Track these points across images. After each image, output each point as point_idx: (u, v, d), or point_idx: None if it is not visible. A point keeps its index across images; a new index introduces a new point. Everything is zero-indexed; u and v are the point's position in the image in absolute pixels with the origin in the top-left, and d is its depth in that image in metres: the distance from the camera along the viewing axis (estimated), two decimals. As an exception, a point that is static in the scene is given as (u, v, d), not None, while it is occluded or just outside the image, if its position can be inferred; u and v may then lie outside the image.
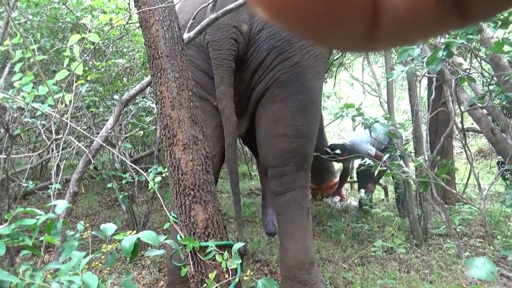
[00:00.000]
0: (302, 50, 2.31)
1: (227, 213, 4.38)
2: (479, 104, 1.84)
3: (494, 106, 1.92)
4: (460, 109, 1.97)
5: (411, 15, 0.16)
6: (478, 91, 1.98)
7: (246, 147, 5.86)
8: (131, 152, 6.09)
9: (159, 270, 2.97)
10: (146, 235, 1.13)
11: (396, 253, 3.02)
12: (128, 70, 3.83)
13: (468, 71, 1.77)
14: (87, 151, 2.08)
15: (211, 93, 2.37)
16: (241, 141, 4.60)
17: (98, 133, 2.63)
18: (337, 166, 6.70)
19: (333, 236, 3.54)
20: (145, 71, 3.49)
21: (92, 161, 2.16)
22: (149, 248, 2.38)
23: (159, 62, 1.68)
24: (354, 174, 5.96)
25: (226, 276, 1.61)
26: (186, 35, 2.04)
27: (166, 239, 1.22)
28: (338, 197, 4.75)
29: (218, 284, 1.59)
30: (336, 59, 5.06)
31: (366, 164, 2.59)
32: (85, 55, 2.22)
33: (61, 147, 2.16)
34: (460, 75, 1.77)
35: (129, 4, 3.60)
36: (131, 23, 3.33)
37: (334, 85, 6.32)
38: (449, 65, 2.17)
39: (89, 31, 2.17)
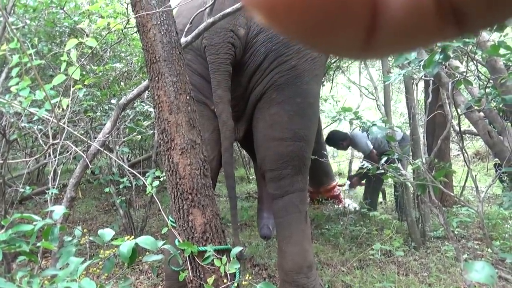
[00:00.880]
0: (299, 54, 2.31)
1: (225, 217, 4.36)
2: (476, 107, 1.85)
3: (491, 109, 1.93)
4: (457, 112, 1.98)
5: (409, 24, 0.16)
6: (475, 94, 1.99)
7: (244, 151, 5.86)
8: (128, 156, 6.08)
9: (157, 275, 2.95)
10: (144, 240, 1.12)
11: (394, 256, 3.02)
12: (126, 74, 3.83)
13: (464, 74, 1.78)
14: (85, 156, 2.07)
15: (209, 97, 2.38)
16: (239, 145, 4.60)
17: (95, 138, 2.62)
18: (335, 169, 6.71)
19: (332, 240, 3.54)
20: (143, 75, 3.49)
21: (90, 166, 2.15)
22: (147, 253, 2.37)
23: (157, 67, 1.68)
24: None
25: (225, 280, 1.60)
26: (183, 39, 2.05)
27: (164, 244, 1.21)
28: (337, 200, 4.75)
29: (217, 288, 1.58)
30: (333, 62, 5.07)
31: (365, 167, 2.59)
32: (83, 60, 2.22)
33: (58, 152, 2.16)
34: (457, 78, 1.78)
35: (127, 8, 3.60)
36: (129, 28, 3.34)
37: (331, 88, 6.34)
38: (446, 68, 2.18)
39: (87, 36, 2.17)
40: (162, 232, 1.84)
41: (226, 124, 2.28)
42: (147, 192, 1.81)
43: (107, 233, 1.12)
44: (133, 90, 2.59)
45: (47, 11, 3.17)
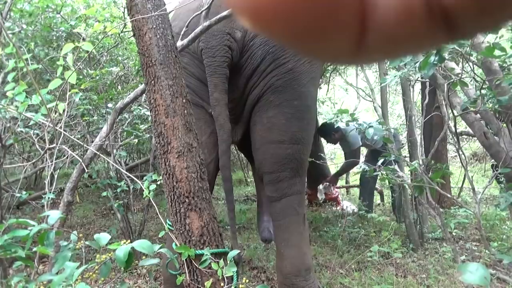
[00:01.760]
0: (297, 56, 2.31)
1: (223, 220, 4.36)
2: (472, 109, 1.85)
3: (487, 110, 1.94)
4: (453, 113, 1.99)
5: (399, 29, 0.16)
6: (471, 96, 2.00)
7: (242, 153, 5.85)
8: (126, 160, 6.07)
9: (155, 279, 2.94)
10: (141, 244, 1.12)
11: (392, 258, 3.02)
12: (123, 78, 3.83)
13: (460, 75, 1.79)
14: (81, 160, 2.07)
15: (206, 100, 2.37)
16: (236, 148, 4.60)
17: (93, 142, 2.61)
18: (333, 171, 6.71)
19: (330, 242, 3.53)
20: (139, 79, 3.49)
21: (86, 170, 2.14)
22: (143, 257, 2.36)
23: (153, 70, 1.68)
24: (350, 179, 5.98)
25: (222, 284, 1.60)
26: (179, 43, 2.05)
27: (161, 247, 1.21)
28: (335, 202, 4.75)
29: (214, 292, 1.58)
30: (330, 64, 5.09)
31: (364, 170, 2.60)
32: (79, 64, 2.22)
33: (54, 157, 2.15)
34: (452, 80, 1.78)
35: (123, 12, 3.61)
36: (125, 32, 3.34)
37: (328, 91, 6.35)
38: (441, 69, 2.19)
39: (83, 40, 2.17)
40: (160, 236, 1.84)
41: (223, 127, 2.28)
42: (144, 196, 1.80)
43: (103, 237, 1.12)
44: (130, 94, 2.59)
45: (44, 16, 3.17)
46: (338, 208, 4.64)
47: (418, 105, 5.10)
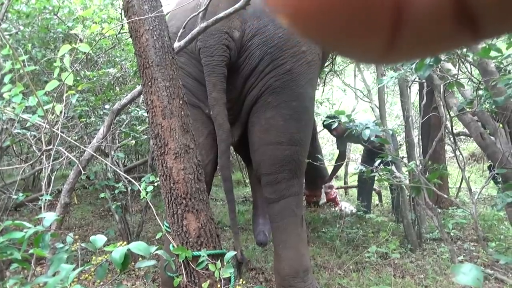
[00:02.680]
0: (295, 57, 2.31)
1: (221, 221, 4.35)
2: (468, 109, 1.86)
3: (483, 111, 1.95)
4: (449, 114, 1.99)
5: (429, 28, 0.17)
6: (467, 96, 2.00)
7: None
8: (125, 161, 6.06)
9: (153, 280, 2.94)
10: (137, 246, 1.12)
11: (390, 258, 3.02)
12: (121, 79, 3.82)
13: (456, 76, 1.79)
14: (78, 162, 2.06)
15: (203, 100, 2.37)
16: (234, 149, 4.59)
17: (90, 143, 2.61)
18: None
19: (328, 243, 3.53)
20: (137, 80, 3.49)
21: (83, 172, 2.14)
22: (140, 259, 2.36)
23: (150, 72, 1.68)
24: (348, 180, 5.98)
25: (219, 285, 1.60)
26: (177, 44, 2.04)
27: (157, 249, 1.21)
28: (333, 203, 4.75)
29: (212, 293, 1.58)
30: (327, 65, 5.09)
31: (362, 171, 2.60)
32: (76, 65, 2.22)
33: (51, 158, 2.15)
34: (449, 81, 1.79)
35: (121, 13, 3.60)
36: (123, 33, 3.34)
37: (323, 92, 6.35)
38: (438, 70, 2.19)
39: (80, 41, 2.17)
40: (157, 237, 1.84)
41: (222, 127, 2.27)
42: (141, 197, 1.80)
43: (99, 239, 1.12)
44: (127, 95, 2.59)
45: (41, 17, 3.16)
46: (336, 208, 4.65)
47: (416, 106, 5.10)
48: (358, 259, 3.07)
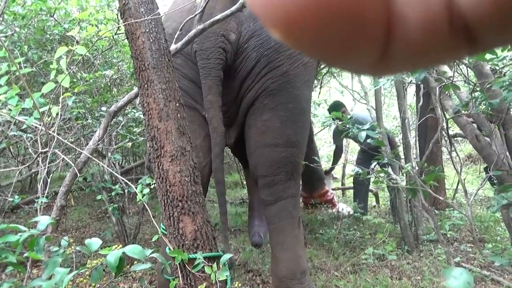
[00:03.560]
0: (291, 59, 2.31)
1: (218, 222, 4.34)
2: (464, 111, 1.86)
3: (479, 113, 1.95)
4: (445, 116, 2.00)
5: (423, 42, 0.17)
6: (463, 99, 2.01)
7: (237, 156, 5.84)
8: (122, 162, 6.05)
9: (150, 282, 2.93)
10: (132, 249, 1.11)
11: (387, 260, 3.02)
12: (118, 81, 3.82)
13: (451, 78, 1.80)
14: (73, 165, 2.06)
15: (200, 102, 2.37)
16: (231, 151, 4.59)
17: (87, 145, 2.60)
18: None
19: (325, 244, 3.53)
20: (134, 82, 3.49)
21: (79, 174, 2.13)
22: (135, 262, 2.36)
23: (146, 74, 1.68)
24: (346, 181, 5.98)
25: (215, 288, 1.60)
26: (173, 46, 2.04)
27: (152, 252, 1.21)
28: (331, 204, 4.75)
29: (208, 296, 1.57)
30: (324, 67, 5.10)
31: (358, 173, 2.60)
32: (72, 67, 2.22)
33: (47, 160, 2.14)
34: (444, 83, 1.79)
35: (117, 15, 3.60)
36: (120, 34, 3.33)
37: (319, 93, 6.36)
38: (434, 73, 2.20)
39: (77, 43, 2.17)
40: (153, 240, 1.83)
41: (217, 130, 2.27)
42: (138, 200, 1.80)
43: (94, 242, 1.12)
44: (124, 97, 2.58)
45: (37, 19, 3.16)
46: (333, 210, 4.65)
47: (413, 107, 5.11)
48: (355, 261, 3.07)
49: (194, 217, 1.68)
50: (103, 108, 2.98)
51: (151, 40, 1.68)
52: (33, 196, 4.37)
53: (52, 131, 2.03)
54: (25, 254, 1.23)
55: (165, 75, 1.69)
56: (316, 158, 3.94)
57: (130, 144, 3.23)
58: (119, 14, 3.48)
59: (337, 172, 6.77)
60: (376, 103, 3.40)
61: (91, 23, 2.99)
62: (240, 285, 1.68)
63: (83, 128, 3.39)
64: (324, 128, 5.91)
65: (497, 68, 1.92)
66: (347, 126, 2.16)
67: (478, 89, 1.88)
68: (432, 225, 1.78)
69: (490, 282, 2.62)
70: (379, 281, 2.76)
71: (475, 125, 2.08)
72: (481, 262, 2.95)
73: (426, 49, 0.17)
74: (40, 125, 1.95)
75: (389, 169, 2.18)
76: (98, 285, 2.56)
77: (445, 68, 2.11)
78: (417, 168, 2.34)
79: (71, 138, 3.40)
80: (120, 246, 1.22)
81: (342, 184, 5.87)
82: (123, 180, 2.27)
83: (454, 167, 1.91)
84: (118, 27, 2.57)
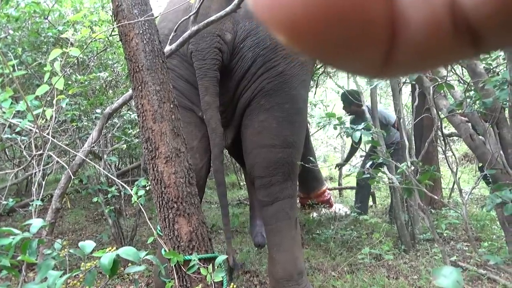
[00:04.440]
0: (287, 59, 2.30)
1: (216, 224, 4.34)
2: (458, 111, 1.87)
3: (473, 112, 1.96)
4: (439, 116, 2.00)
5: (427, 44, 0.17)
6: (457, 98, 2.02)
7: (234, 157, 5.83)
8: (118, 164, 6.03)
9: (147, 284, 2.92)
10: (126, 252, 1.11)
11: (384, 260, 3.02)
12: (113, 83, 3.81)
13: (445, 78, 1.81)
14: (68, 168, 2.05)
15: (196, 103, 2.36)
16: (228, 152, 4.58)
17: (83, 147, 2.59)
18: (326, 173, 6.72)
19: (323, 244, 3.53)
20: (129, 84, 3.48)
21: (73, 177, 2.12)
22: (129, 264, 2.35)
23: (140, 76, 1.67)
24: (343, 181, 5.99)
25: (211, 289, 1.59)
26: (168, 48, 2.04)
27: (147, 254, 1.20)
28: (327, 205, 4.75)
29: (204, 298, 1.57)
30: (320, 67, 5.11)
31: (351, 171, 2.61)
32: (66, 69, 2.21)
33: (42, 163, 2.13)
34: (438, 82, 1.80)
35: (112, 16, 3.59)
36: (114, 35, 3.32)
37: (315, 93, 6.37)
38: (428, 72, 2.21)
39: (71, 45, 2.16)
40: (148, 242, 1.83)
41: (216, 131, 2.26)
42: (133, 202, 1.79)
43: (88, 245, 1.11)
44: (119, 98, 2.58)
45: (31, 21, 3.14)
46: (330, 210, 4.65)
47: (409, 107, 5.13)
48: (352, 261, 3.08)
49: (190, 218, 1.67)
50: (98, 110, 2.96)
51: (144, 42, 1.68)
52: (29, 199, 4.35)
53: (47, 134, 2.02)
54: (19, 258, 1.22)
55: (159, 77, 1.69)
56: (312, 158, 3.94)
57: (125, 146, 3.22)
58: (113, 16, 3.47)
59: (334, 172, 6.78)
60: (372, 103, 3.41)
61: (85, 25, 2.98)
62: (235, 286, 1.68)
63: (78, 130, 3.38)
64: (320, 128, 5.91)
65: (491, 67, 1.93)
66: (342, 126, 2.16)
67: (472, 88, 1.89)
68: (428, 224, 1.78)
69: (487, 280, 2.63)
70: (376, 281, 2.76)
71: (469, 124, 2.09)
72: (478, 261, 2.96)
73: (431, 51, 0.17)
74: (34, 127, 1.94)
75: (385, 169, 2.19)
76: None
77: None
78: (412, 167, 2.35)
79: (66, 141, 3.38)
80: (115, 248, 1.21)
81: (339, 184, 5.87)
82: (119, 182, 2.27)
83: (449, 167, 1.92)
84: (113, 28, 2.56)
